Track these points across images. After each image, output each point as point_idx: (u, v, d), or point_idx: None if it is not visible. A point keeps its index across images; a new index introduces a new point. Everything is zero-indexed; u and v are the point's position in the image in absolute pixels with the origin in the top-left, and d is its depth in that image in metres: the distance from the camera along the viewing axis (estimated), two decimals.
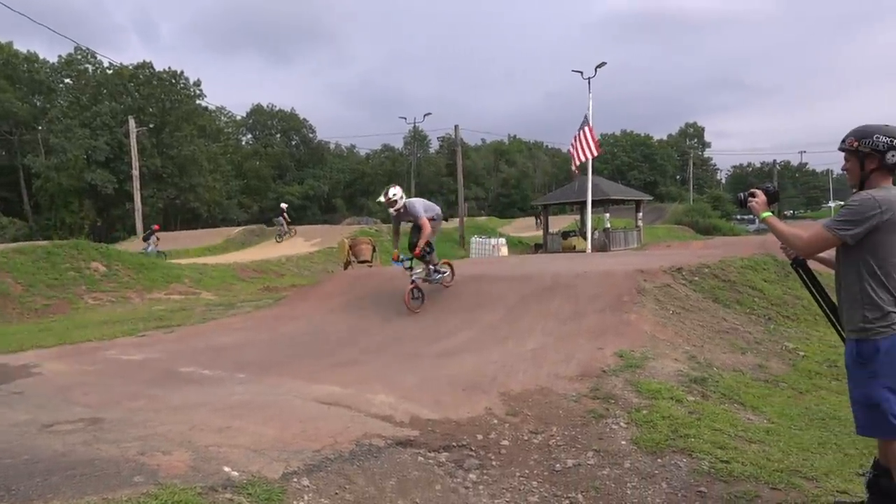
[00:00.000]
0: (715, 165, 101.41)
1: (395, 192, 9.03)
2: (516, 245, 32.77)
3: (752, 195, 3.38)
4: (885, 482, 3.05)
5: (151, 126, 49.30)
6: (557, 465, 4.03)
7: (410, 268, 9.23)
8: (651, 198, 45.22)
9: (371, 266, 18.22)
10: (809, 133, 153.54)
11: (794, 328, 8.22)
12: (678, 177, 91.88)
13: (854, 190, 3.09)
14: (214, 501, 3.08)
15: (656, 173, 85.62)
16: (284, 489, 3.33)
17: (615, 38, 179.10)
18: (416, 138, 72.56)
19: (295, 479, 3.48)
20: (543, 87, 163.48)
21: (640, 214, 33.64)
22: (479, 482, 3.83)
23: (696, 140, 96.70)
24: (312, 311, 10.40)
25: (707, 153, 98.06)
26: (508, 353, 6.52)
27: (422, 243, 8.92)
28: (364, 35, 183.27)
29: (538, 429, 4.57)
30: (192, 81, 57.84)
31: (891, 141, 2.94)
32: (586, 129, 24.00)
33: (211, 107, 63.73)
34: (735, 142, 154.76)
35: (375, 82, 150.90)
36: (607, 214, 30.94)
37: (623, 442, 4.29)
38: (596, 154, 24.44)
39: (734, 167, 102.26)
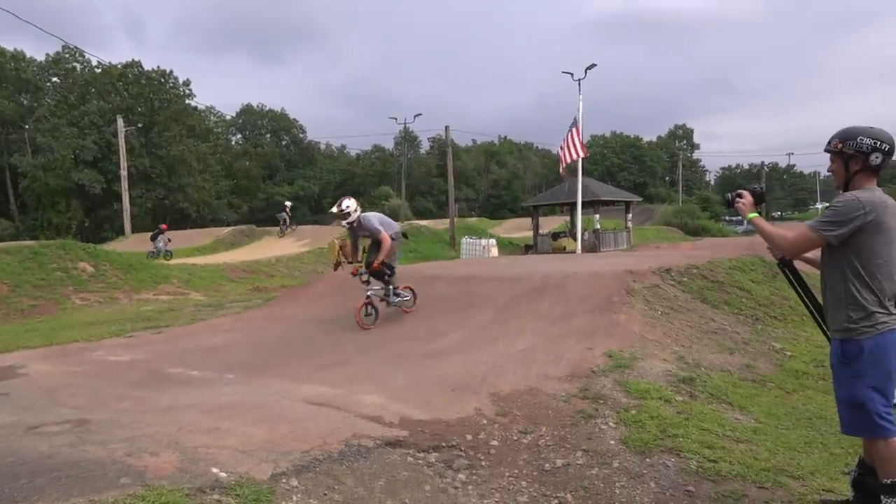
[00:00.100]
0: (704, 167, 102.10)
1: (349, 203, 8.45)
2: (507, 246, 32.84)
3: (740, 196, 3.42)
4: (870, 480, 3.08)
5: (140, 126, 49.05)
6: (547, 465, 4.04)
7: (367, 281, 8.68)
8: (641, 199, 45.44)
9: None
10: (797, 135, 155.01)
11: (781, 328, 8.28)
12: (667, 178, 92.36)
13: (839, 191, 3.12)
14: (202, 502, 3.06)
15: (646, 175, 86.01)
16: (273, 490, 3.32)
17: (605, 40, 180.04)
18: (407, 139, 72.51)
19: (283, 480, 3.47)
20: (534, 89, 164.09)
21: (630, 215, 33.75)
22: (469, 482, 3.83)
23: (685, 142, 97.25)
24: (302, 311, 10.37)
25: (696, 155, 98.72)
26: (498, 354, 6.53)
27: (380, 258, 8.44)
28: (355, 35, 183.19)
29: (527, 429, 4.58)
30: (181, 81, 57.58)
31: (874, 143, 2.98)
32: (573, 130, 24.14)
33: (200, 106, 63.52)
34: (724, 143, 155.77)
35: (366, 83, 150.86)
36: (597, 216, 31.00)
37: (612, 442, 4.31)
38: (582, 155, 24.55)
39: (723, 169, 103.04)
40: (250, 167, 70.95)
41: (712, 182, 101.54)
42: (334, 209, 8.54)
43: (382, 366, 6.46)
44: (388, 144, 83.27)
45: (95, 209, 51.89)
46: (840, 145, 3.06)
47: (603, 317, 7.40)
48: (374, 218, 8.74)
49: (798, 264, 3.57)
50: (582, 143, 24.35)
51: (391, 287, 8.87)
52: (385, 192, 67.08)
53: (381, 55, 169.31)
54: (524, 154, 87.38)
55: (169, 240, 26.30)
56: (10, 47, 53.40)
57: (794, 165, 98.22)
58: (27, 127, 51.58)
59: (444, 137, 41.44)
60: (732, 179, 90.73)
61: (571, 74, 26.09)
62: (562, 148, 24.84)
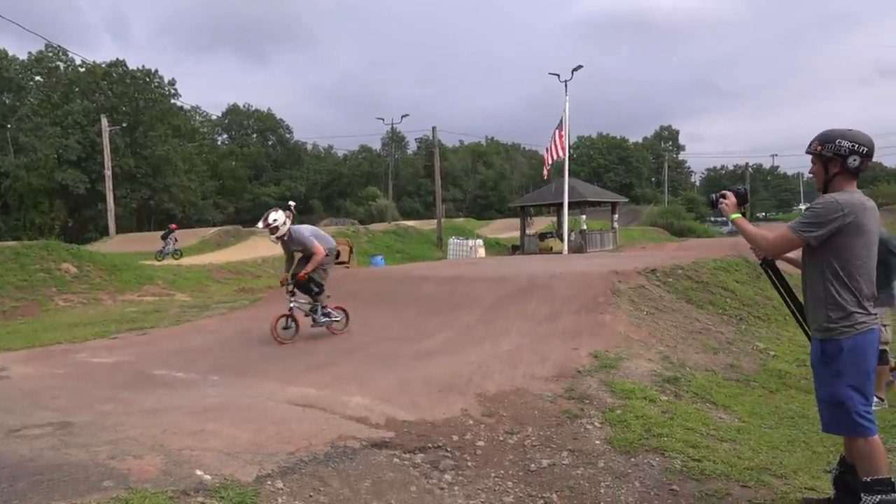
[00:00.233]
0: (689, 168, 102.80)
1: (276, 217, 8.01)
2: (494, 246, 32.91)
3: (724, 197, 3.46)
4: (851, 478, 3.12)
5: (124, 125, 48.60)
6: (532, 466, 4.05)
7: (293, 293, 8.17)
8: (627, 200, 45.69)
9: (348, 267, 18.18)
10: (781, 137, 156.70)
11: (764, 328, 8.37)
12: (653, 179, 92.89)
13: (820, 193, 3.17)
14: None
15: (632, 176, 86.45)
16: (258, 492, 3.31)
17: (592, 41, 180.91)
18: (394, 139, 72.46)
19: (269, 482, 3.45)
20: (521, 89, 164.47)
21: (616, 216, 33.98)
22: (455, 483, 3.83)
23: (670, 143, 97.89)
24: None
25: (681, 156, 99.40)
26: (485, 354, 6.54)
27: (309, 268, 8.01)
28: (342, 36, 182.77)
29: (513, 429, 4.59)
30: (166, 80, 57.20)
31: (852, 146, 3.02)
32: (557, 131, 24.34)
33: (186, 106, 63.05)
34: (709, 145, 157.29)
35: (353, 83, 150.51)
36: (584, 216, 31.19)
37: (597, 441, 4.33)
38: (561, 156, 24.74)
39: (708, 170, 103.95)
40: (236, 167, 70.58)
41: (698, 183, 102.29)
42: (260, 224, 8.16)
43: (368, 367, 6.44)
44: (376, 145, 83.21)
45: (79, 209, 51.37)
46: (819, 148, 3.10)
47: (589, 317, 7.43)
48: (307, 230, 8.35)
49: (780, 264, 3.62)
50: (563, 144, 24.52)
51: (319, 305, 8.31)
52: (372, 192, 66.93)
53: (368, 55, 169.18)
54: (511, 155, 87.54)
55: (176, 239, 26.84)
56: None
57: (777, 167, 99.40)
58: (9, 126, 50.88)
59: (431, 138, 41.48)
60: (717, 180, 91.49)
61: (558, 76, 26.26)
62: (547, 150, 25.05)
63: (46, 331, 10.67)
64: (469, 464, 4.08)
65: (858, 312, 3.00)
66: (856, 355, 2.99)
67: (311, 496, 3.42)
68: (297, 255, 8.38)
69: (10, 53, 53.90)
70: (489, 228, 45.44)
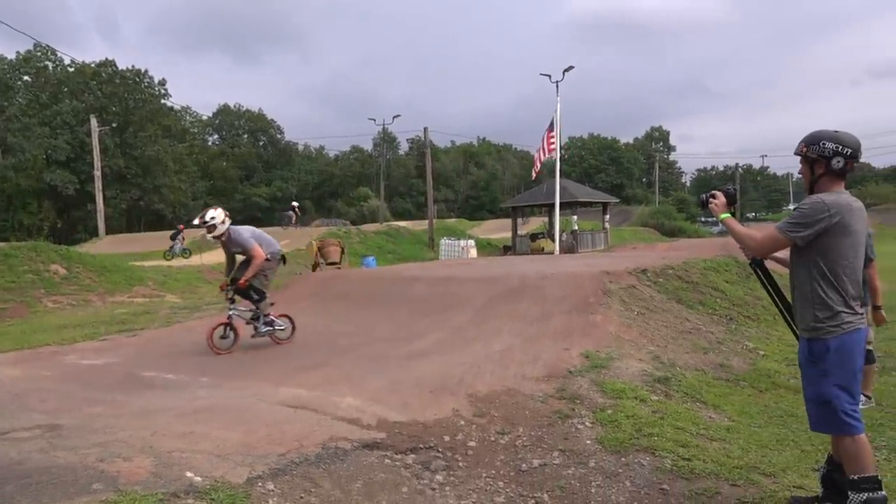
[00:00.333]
0: (680, 168, 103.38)
1: (213, 214, 7.52)
2: (485, 247, 32.91)
3: (713, 197, 3.49)
4: (838, 477, 3.15)
5: (114, 125, 48.30)
6: (523, 466, 4.06)
7: (232, 300, 7.72)
8: (618, 200, 45.91)
9: (340, 268, 18.15)
10: (770, 137, 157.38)
11: (754, 328, 8.42)
12: (644, 179, 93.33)
13: (807, 194, 3.20)
14: None
15: (623, 176, 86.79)
16: (249, 494, 3.30)
17: (584, 42, 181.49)
18: (386, 140, 72.44)
19: (259, 484, 3.44)
20: (513, 90, 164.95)
21: (607, 217, 34.07)
22: (446, 483, 3.83)
23: (661, 143, 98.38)
24: (279, 312, 10.28)
25: (672, 156, 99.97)
26: (476, 355, 6.54)
27: (249, 274, 7.50)
28: (333, 36, 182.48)
29: (505, 429, 4.60)
30: (156, 80, 57.00)
31: (836, 147, 3.05)
32: (548, 132, 24.48)
33: (176, 106, 62.83)
34: (699, 145, 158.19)
35: (344, 84, 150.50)
36: (575, 217, 31.25)
37: (588, 441, 4.35)
38: (553, 157, 24.90)
39: (698, 170, 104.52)
40: (227, 168, 70.34)
41: (688, 183, 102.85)
42: (196, 220, 7.68)
43: (360, 367, 6.44)
44: (367, 145, 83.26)
45: (68, 210, 51.02)
46: (805, 149, 3.15)
47: (580, 317, 7.46)
48: (247, 231, 7.83)
49: (769, 264, 3.65)
50: (549, 144, 24.64)
51: (261, 313, 7.82)
52: (364, 193, 66.90)
53: (359, 55, 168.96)
54: (503, 155, 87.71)
55: (184, 238, 27.49)
56: None
57: (767, 167, 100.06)
58: None
59: (422, 139, 41.48)
60: (708, 181, 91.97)
61: (549, 76, 26.29)
62: (538, 150, 25.22)
63: (35, 332, 10.59)
64: (460, 464, 4.08)
65: (845, 312, 3.03)
66: (842, 355, 3.02)
67: (302, 497, 3.41)
68: (240, 258, 7.91)
69: None
70: (481, 229, 45.44)
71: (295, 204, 37.86)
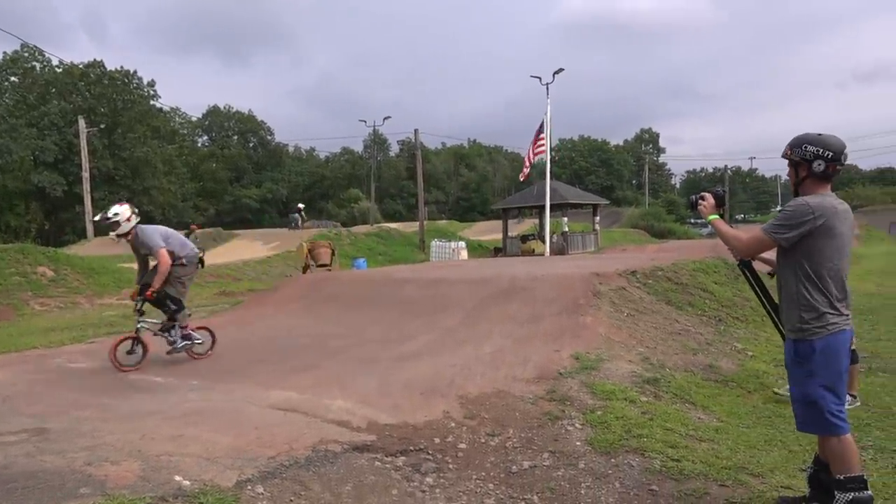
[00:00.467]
0: (669, 170, 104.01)
1: (118, 210, 6.82)
2: (476, 249, 32.97)
3: (702, 198, 3.53)
4: (824, 476, 3.18)
5: (103, 126, 47.94)
6: (514, 467, 4.06)
7: (141, 311, 6.99)
8: (608, 202, 46.08)
9: (330, 270, 18.10)
10: (759, 140, 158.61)
11: (743, 329, 8.47)
12: (634, 181, 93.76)
13: (793, 196, 3.24)
14: None
15: (613, 178, 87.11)
16: (238, 497, 3.29)
17: (574, 44, 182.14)
18: (376, 141, 72.36)
19: (249, 487, 3.43)
20: (503, 92, 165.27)
21: (598, 218, 34.21)
22: (436, 485, 3.84)
23: (651, 145, 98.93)
24: (270, 315, 10.27)
25: (662, 158, 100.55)
26: (466, 357, 6.54)
27: (157, 283, 6.78)
28: (323, 37, 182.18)
29: (495, 431, 4.60)
30: (145, 82, 56.59)
31: (818, 151, 3.10)
32: (538, 134, 24.61)
33: (165, 108, 62.45)
34: (689, 147, 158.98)
35: (334, 85, 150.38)
36: (565, 218, 31.34)
37: (578, 443, 4.36)
38: (533, 160, 25.07)
39: (688, 172, 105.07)
40: (217, 169, 70.01)
41: (678, 185, 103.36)
42: (98, 217, 7.05)
43: (350, 370, 6.42)
44: (358, 147, 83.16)
45: (56, 212, 50.58)
46: (789, 152, 3.20)
47: (570, 319, 7.47)
48: (156, 232, 7.07)
49: (758, 265, 3.68)
50: (535, 146, 24.76)
51: (177, 325, 7.14)
52: (354, 194, 66.79)
53: (349, 56, 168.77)
54: (493, 157, 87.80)
55: (197, 237, 27.54)
56: None
57: (755, 169, 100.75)
58: None
59: (413, 140, 41.46)
60: (697, 183, 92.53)
61: (540, 79, 26.37)
62: (528, 152, 25.36)
63: (22, 335, 10.49)
64: (450, 466, 4.09)
65: (830, 313, 3.07)
66: (828, 355, 3.05)
67: (291, 501, 3.41)
68: (152, 262, 7.19)
69: None
70: (472, 230, 45.49)
71: (301, 206, 38.22)
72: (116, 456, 3.71)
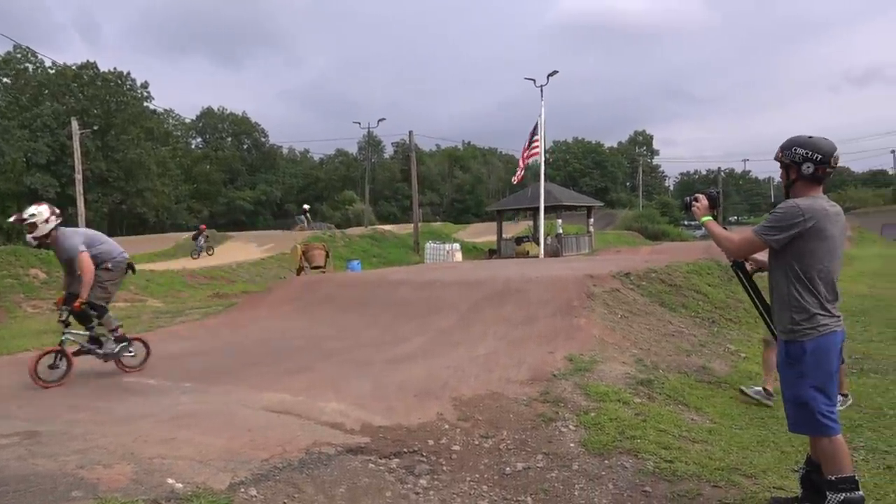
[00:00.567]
0: (663, 172, 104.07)
1: (35, 211, 6.31)
2: (470, 250, 32.95)
3: (696, 199, 3.55)
4: (816, 477, 3.19)
5: (96, 128, 47.72)
6: (507, 469, 4.06)
7: (66, 322, 6.48)
8: (602, 204, 46.06)
9: (324, 272, 18.08)
10: (752, 142, 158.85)
11: (736, 330, 8.51)
12: (628, 183, 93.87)
13: (785, 198, 3.26)
14: None
15: (607, 180, 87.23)
16: (231, 500, 3.28)
17: (568, 46, 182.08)
18: (371, 143, 72.29)
19: (242, 490, 3.42)
20: (497, 94, 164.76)
21: (592, 220, 34.27)
22: (430, 487, 3.83)
23: (645, 148, 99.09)
24: (263, 317, 10.25)
25: (656, 160, 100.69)
26: (461, 359, 6.55)
27: (84, 293, 6.27)
28: (317, 39, 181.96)
29: (489, 433, 4.61)
30: (139, 83, 56.44)
31: (806, 153, 3.12)
32: (532, 136, 24.70)
33: (159, 109, 62.27)
34: (682, 150, 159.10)
35: (329, 86, 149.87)
36: (559, 220, 31.38)
37: (572, 444, 4.37)
38: (527, 162, 25.17)
39: (682, 174, 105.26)
40: (211, 171, 69.82)
41: (671, 187, 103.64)
42: (13, 218, 6.55)
43: (344, 372, 6.42)
44: (352, 149, 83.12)
45: None
46: (780, 154, 3.22)
47: (564, 321, 7.49)
48: (76, 235, 6.57)
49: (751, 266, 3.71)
50: (529, 149, 24.84)
51: (106, 332, 6.72)
52: (349, 196, 66.72)
53: (343, 58, 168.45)
54: (488, 159, 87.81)
55: (207, 236, 28.93)
56: None
57: (749, 171, 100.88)
58: None
59: (407, 142, 41.46)
60: (691, 185, 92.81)
61: (534, 81, 26.39)
62: (522, 154, 25.45)
63: (14, 338, 10.44)
64: (444, 468, 4.09)
65: (821, 314, 3.08)
66: (819, 357, 3.06)
67: (284, 503, 3.40)
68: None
69: None
70: (466, 232, 45.48)
71: (306, 207, 38.70)
72: (109, 459, 3.70)
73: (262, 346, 8.21)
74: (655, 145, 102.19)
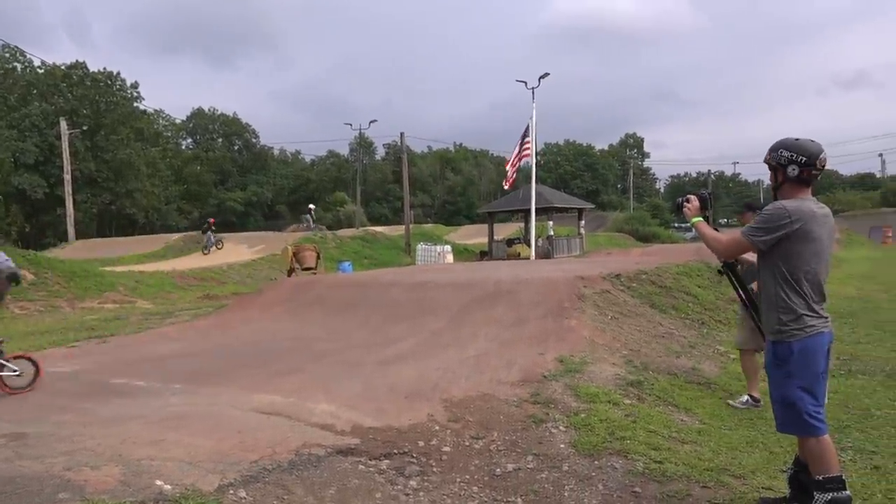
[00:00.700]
0: (654, 175, 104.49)
1: None
2: (462, 252, 32.96)
3: (688, 200, 3.57)
4: (804, 477, 3.21)
5: (85, 128, 47.38)
6: (498, 470, 4.07)
7: None
8: (593, 206, 46.18)
9: (315, 273, 18.04)
10: (742, 145, 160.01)
11: (725, 331, 8.55)
12: (619, 186, 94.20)
13: (773, 200, 3.29)
14: None
15: (598, 182, 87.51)
16: (220, 501, 3.26)
17: (559, 49, 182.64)
18: (362, 145, 72.22)
19: (231, 491, 3.41)
20: (489, 96, 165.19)
21: (583, 222, 34.35)
22: (420, 489, 3.83)
23: (636, 150, 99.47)
24: (254, 319, 10.21)
25: (646, 163, 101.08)
26: (451, 360, 6.55)
27: None
28: (308, 40, 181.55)
29: (479, 434, 4.61)
30: (129, 83, 56.04)
31: (791, 156, 3.15)
32: (523, 138, 24.75)
33: (149, 110, 61.91)
34: (673, 152, 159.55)
35: (320, 88, 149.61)
36: (551, 222, 31.46)
37: (562, 445, 4.37)
38: (518, 164, 25.26)
39: (672, 177, 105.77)
40: (201, 172, 69.41)
41: (662, 190, 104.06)
42: None
43: (335, 373, 6.40)
44: (344, 150, 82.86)
45: (37, 214, 49.89)
46: (768, 157, 3.25)
47: (555, 322, 7.50)
48: None
49: (713, 257, 3.74)
50: (520, 151, 24.91)
51: None
52: (340, 198, 66.54)
53: (335, 61, 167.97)
54: (479, 161, 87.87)
55: (215, 230, 29.24)
56: None
57: (739, 174, 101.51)
58: None
59: (399, 144, 41.45)
60: (681, 187, 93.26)
61: (525, 83, 26.46)
62: (513, 157, 25.48)
63: None
64: (434, 469, 4.08)
65: (808, 315, 3.11)
66: (806, 357, 3.09)
67: None
68: None
69: None
70: (457, 234, 45.55)
71: (311, 207, 38.41)
72: (96, 461, 3.67)
73: (252, 348, 8.18)
74: (646, 148, 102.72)
